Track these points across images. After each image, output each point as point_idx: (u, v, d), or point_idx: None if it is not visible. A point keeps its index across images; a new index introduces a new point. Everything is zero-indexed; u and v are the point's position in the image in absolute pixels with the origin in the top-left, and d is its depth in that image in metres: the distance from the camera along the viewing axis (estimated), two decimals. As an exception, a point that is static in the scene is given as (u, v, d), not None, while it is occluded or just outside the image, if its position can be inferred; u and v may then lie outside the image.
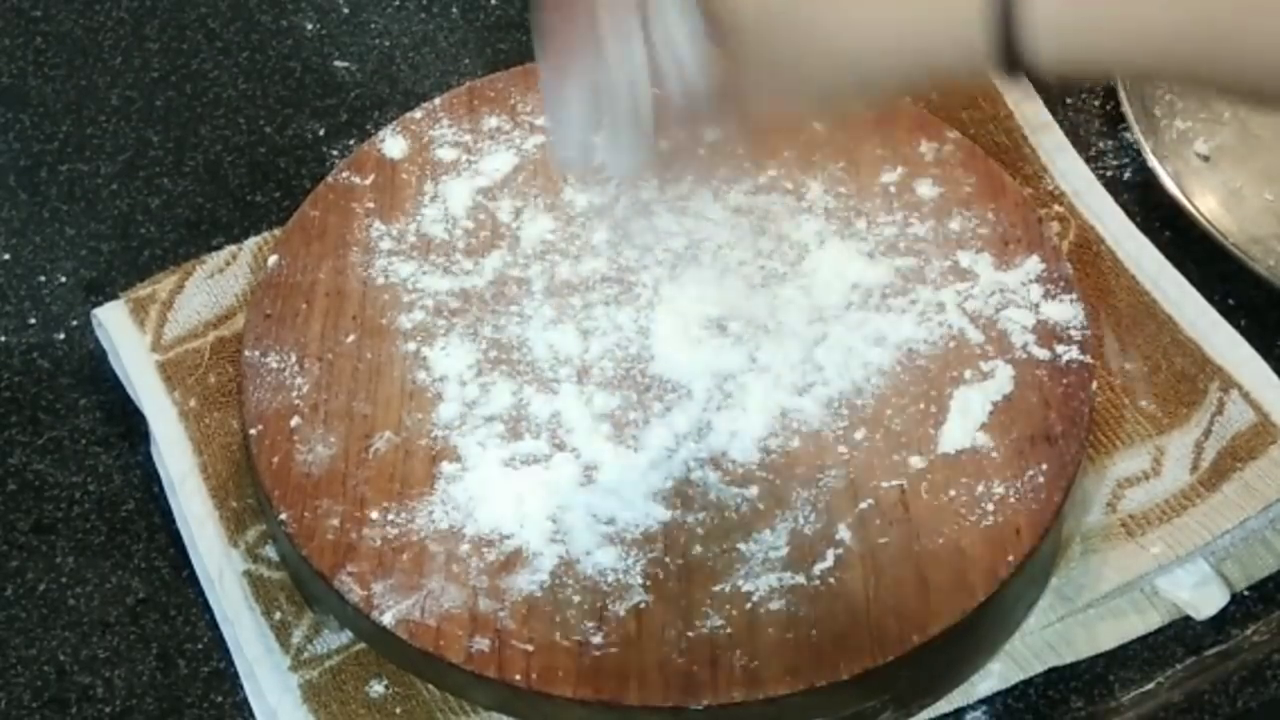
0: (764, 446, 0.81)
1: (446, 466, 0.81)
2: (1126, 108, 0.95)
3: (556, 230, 0.88)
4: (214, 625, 0.83)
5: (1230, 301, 0.91)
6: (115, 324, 0.89)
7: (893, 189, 0.89)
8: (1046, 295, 0.85)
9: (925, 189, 0.89)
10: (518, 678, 0.75)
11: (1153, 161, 0.93)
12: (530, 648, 0.76)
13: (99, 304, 0.91)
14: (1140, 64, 0.68)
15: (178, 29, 1.03)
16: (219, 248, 0.92)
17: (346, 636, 0.80)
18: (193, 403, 0.86)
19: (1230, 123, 0.97)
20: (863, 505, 0.79)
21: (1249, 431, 0.84)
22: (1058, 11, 0.64)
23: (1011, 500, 0.79)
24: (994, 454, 0.80)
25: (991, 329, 0.84)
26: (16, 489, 0.87)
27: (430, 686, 0.79)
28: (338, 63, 1.02)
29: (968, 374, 0.83)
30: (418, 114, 0.92)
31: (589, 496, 0.79)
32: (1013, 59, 0.65)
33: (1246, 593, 0.83)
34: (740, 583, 0.77)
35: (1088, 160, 0.95)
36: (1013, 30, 0.64)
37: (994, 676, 0.80)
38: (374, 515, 0.79)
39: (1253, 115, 0.97)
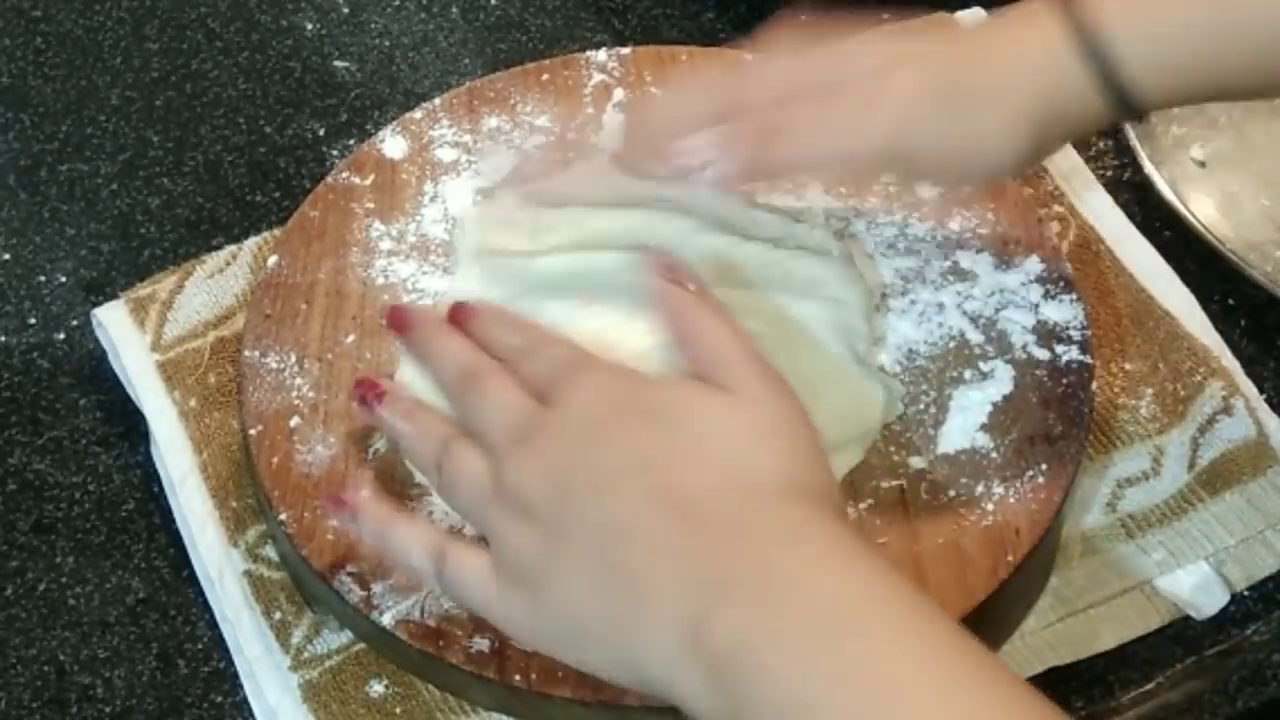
0: (764, 446, 0.81)
1: (446, 466, 0.80)
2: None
3: (556, 230, 0.88)
4: (214, 625, 0.83)
5: (1230, 302, 0.91)
6: (115, 324, 0.89)
7: (893, 189, 0.89)
8: (1046, 295, 0.85)
9: (925, 189, 0.89)
10: (518, 678, 0.75)
11: (1149, 167, 0.93)
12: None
13: (99, 304, 0.91)
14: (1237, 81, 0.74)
15: (178, 29, 1.03)
16: (219, 248, 0.92)
17: (346, 636, 0.80)
18: (193, 403, 0.86)
19: (1226, 128, 0.97)
20: (863, 505, 0.79)
21: (1251, 446, 0.84)
22: (1144, 48, 0.71)
23: (1011, 500, 0.79)
24: (994, 454, 0.80)
25: (991, 329, 0.84)
26: (16, 489, 0.87)
27: (430, 686, 0.79)
28: (338, 63, 1.02)
29: (968, 374, 0.83)
30: (418, 114, 0.92)
31: (589, 496, 0.79)
32: (1127, 104, 0.72)
33: (1246, 593, 0.83)
34: (740, 583, 0.77)
35: (1087, 160, 0.95)
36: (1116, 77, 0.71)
37: (994, 676, 0.80)
38: (374, 515, 0.79)
39: (1249, 121, 0.97)
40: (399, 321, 0.78)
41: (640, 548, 0.64)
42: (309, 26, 1.03)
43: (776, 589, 0.62)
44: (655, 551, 0.64)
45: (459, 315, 0.77)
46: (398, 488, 0.80)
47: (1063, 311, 0.84)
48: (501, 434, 0.70)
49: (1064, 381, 0.82)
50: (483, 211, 0.86)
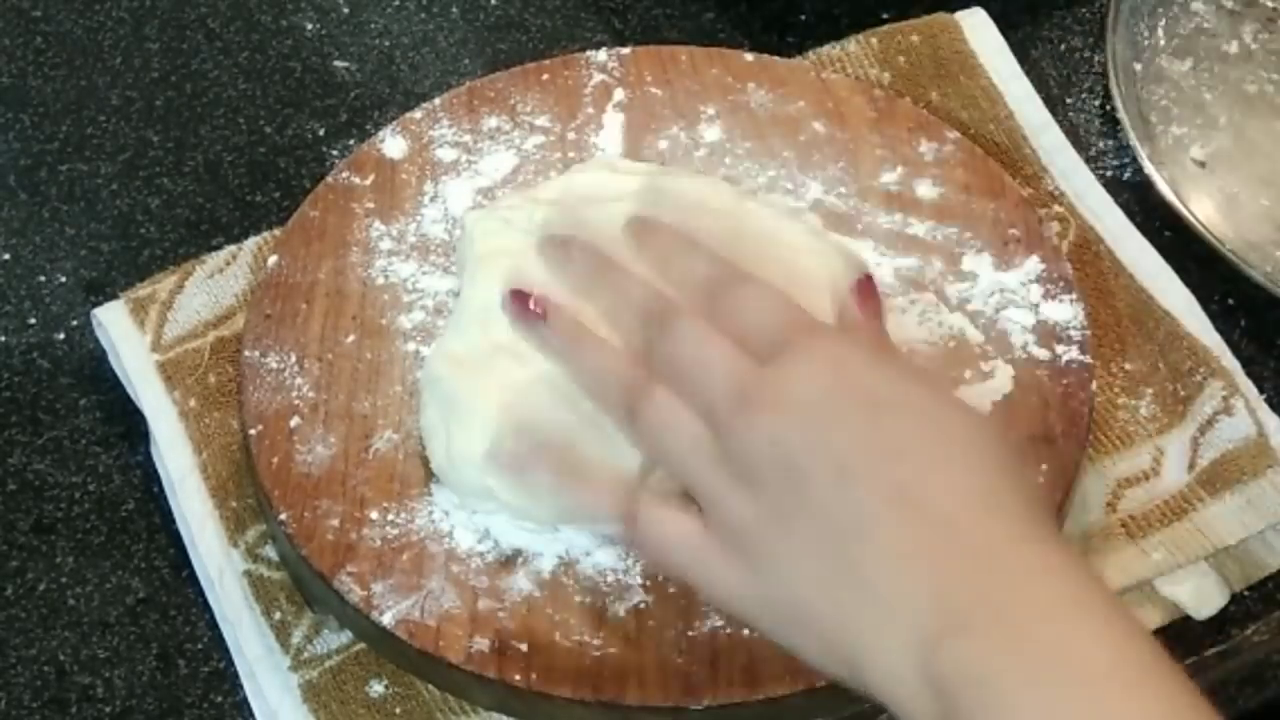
0: (764, 446, 0.81)
1: (446, 466, 0.80)
2: (1122, 114, 0.95)
3: (556, 230, 0.88)
4: (214, 625, 0.83)
5: (1230, 301, 0.91)
6: (115, 324, 0.89)
7: (893, 189, 0.89)
8: (1046, 295, 0.85)
9: (925, 189, 0.89)
10: (518, 678, 0.75)
11: (1149, 167, 0.93)
12: (530, 648, 0.76)
13: (99, 304, 0.91)
14: None
15: (178, 29, 1.03)
16: (219, 248, 0.92)
17: (346, 636, 0.80)
18: (193, 403, 0.86)
19: (1226, 128, 0.97)
20: (863, 505, 0.79)
21: (1251, 446, 0.84)
22: None
23: (1011, 500, 0.79)
24: (994, 454, 0.80)
25: (991, 329, 0.84)
26: (16, 489, 0.87)
27: (430, 686, 0.79)
28: (338, 63, 1.02)
29: (968, 374, 0.83)
30: (418, 114, 0.92)
31: (589, 496, 0.79)
32: None
33: (1246, 593, 0.83)
34: (740, 583, 0.77)
35: (1087, 161, 0.95)
36: None
37: (994, 676, 0.80)
38: (374, 515, 0.79)
39: (1249, 121, 0.97)
40: (559, 253, 0.73)
41: (881, 550, 0.61)
42: (309, 26, 1.03)
43: (1028, 627, 0.59)
44: (897, 558, 0.61)
45: (639, 232, 0.71)
46: (398, 488, 0.80)
47: (1063, 311, 0.84)
48: (721, 392, 0.65)
49: (1064, 381, 0.82)
50: (483, 214, 0.86)
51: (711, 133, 0.91)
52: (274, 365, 0.84)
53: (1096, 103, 0.99)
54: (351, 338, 0.85)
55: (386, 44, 1.02)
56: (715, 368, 0.66)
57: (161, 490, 0.86)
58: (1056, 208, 0.93)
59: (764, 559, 0.64)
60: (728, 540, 0.65)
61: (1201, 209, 0.93)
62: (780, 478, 0.63)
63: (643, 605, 0.77)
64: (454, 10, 1.04)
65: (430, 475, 0.80)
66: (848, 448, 0.63)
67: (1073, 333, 0.84)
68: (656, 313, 0.69)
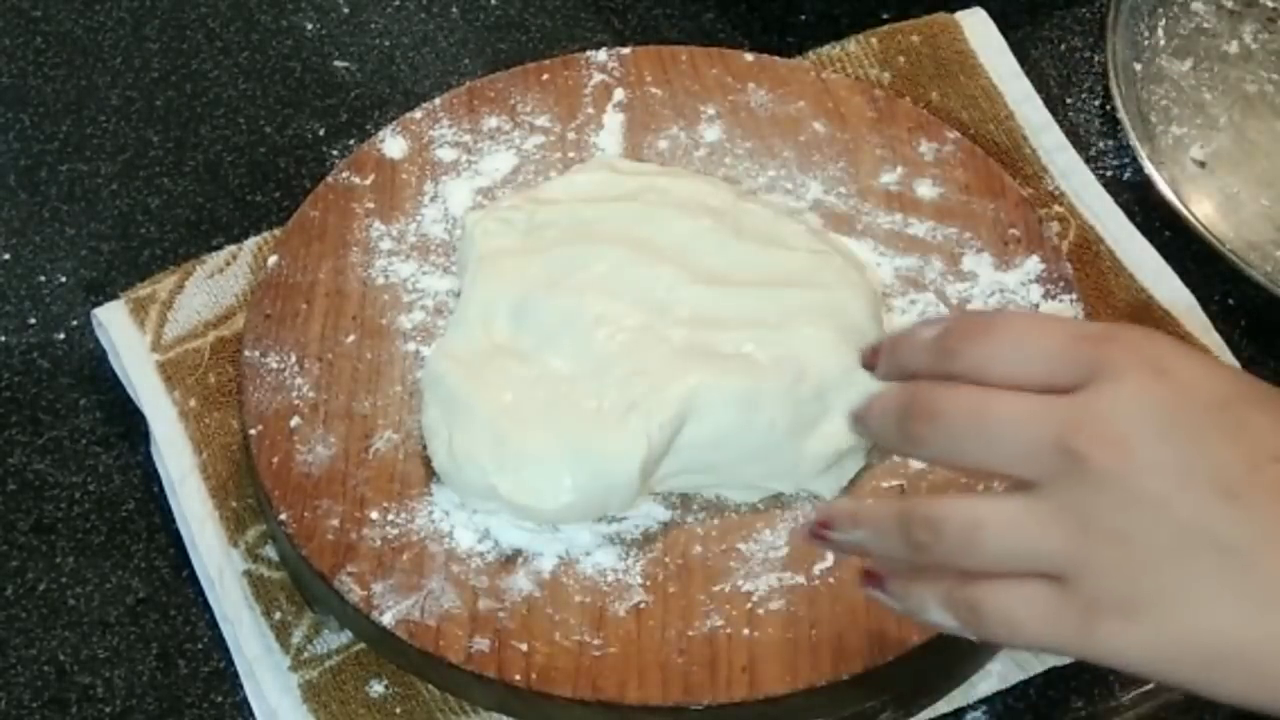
0: (764, 446, 0.81)
1: (446, 466, 0.80)
2: (1122, 114, 0.95)
3: (556, 230, 0.88)
4: (214, 625, 0.83)
5: (1230, 302, 0.91)
6: (115, 324, 0.89)
7: (893, 189, 0.89)
8: (1046, 295, 0.85)
9: (925, 189, 0.89)
10: (518, 678, 0.75)
11: (1149, 167, 0.93)
12: (530, 648, 0.76)
13: (99, 304, 0.91)
14: None
15: (178, 29, 1.03)
16: (219, 248, 0.92)
17: (346, 636, 0.80)
18: (193, 403, 0.86)
19: (1226, 128, 0.97)
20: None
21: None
22: None
23: (1011, 500, 0.79)
24: (994, 454, 0.80)
25: (991, 329, 0.84)
26: (16, 489, 0.87)
27: (430, 686, 0.79)
28: (338, 63, 1.02)
29: (968, 374, 0.83)
30: (418, 114, 0.92)
31: (589, 496, 0.79)
32: None
33: (1246, 593, 0.83)
34: (740, 583, 0.77)
35: (1087, 161, 0.95)
36: None
37: (994, 676, 0.80)
38: (374, 515, 0.79)
39: (1249, 121, 0.97)
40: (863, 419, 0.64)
41: None
42: (309, 26, 1.03)
43: None
44: None
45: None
46: (398, 488, 0.80)
47: (1063, 311, 0.84)
48: (1037, 450, 0.58)
49: (1064, 381, 0.82)
50: (483, 214, 0.86)
51: (711, 133, 0.91)
52: (274, 365, 0.84)
53: (1096, 103, 0.99)
54: (351, 338, 0.85)
55: (386, 44, 1.02)
56: (1012, 428, 0.58)
57: (161, 490, 0.86)
58: (1056, 208, 0.93)
59: (1161, 609, 0.57)
60: (1105, 603, 0.57)
61: (1201, 209, 0.93)
62: (1150, 520, 0.57)
63: (643, 605, 0.77)
64: (454, 10, 1.04)
65: (430, 475, 0.80)
66: (1222, 462, 0.57)
67: (1073, 333, 0.84)
68: (909, 405, 0.61)
